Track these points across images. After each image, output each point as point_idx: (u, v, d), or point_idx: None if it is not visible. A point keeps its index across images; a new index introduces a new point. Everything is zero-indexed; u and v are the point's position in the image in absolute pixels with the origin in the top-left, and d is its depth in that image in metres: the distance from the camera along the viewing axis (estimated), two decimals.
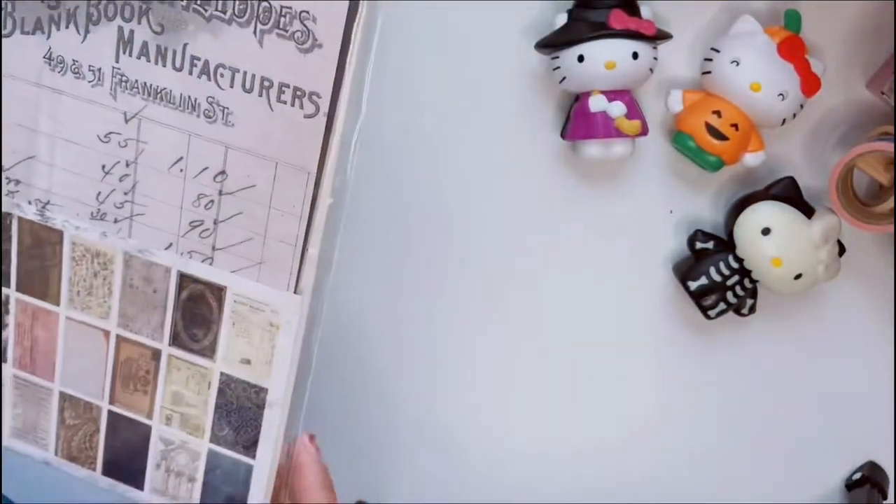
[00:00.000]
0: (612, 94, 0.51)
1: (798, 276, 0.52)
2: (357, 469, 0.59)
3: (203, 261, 0.43)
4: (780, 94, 0.51)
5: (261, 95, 0.39)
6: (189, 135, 0.40)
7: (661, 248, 0.56)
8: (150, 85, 0.40)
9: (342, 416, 0.60)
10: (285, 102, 0.39)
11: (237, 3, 0.38)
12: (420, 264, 0.57)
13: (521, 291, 0.57)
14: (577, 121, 0.52)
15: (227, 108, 0.39)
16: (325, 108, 0.38)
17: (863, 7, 0.53)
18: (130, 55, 0.40)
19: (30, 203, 0.43)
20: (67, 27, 0.40)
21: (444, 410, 0.59)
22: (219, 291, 0.43)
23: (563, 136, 0.54)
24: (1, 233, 0.45)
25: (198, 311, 0.44)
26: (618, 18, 0.50)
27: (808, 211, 0.53)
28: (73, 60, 0.40)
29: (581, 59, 0.51)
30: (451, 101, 0.55)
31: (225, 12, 0.38)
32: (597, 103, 0.51)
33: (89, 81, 0.41)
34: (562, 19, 0.52)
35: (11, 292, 0.45)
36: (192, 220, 0.42)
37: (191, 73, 0.39)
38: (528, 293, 0.57)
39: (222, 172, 0.41)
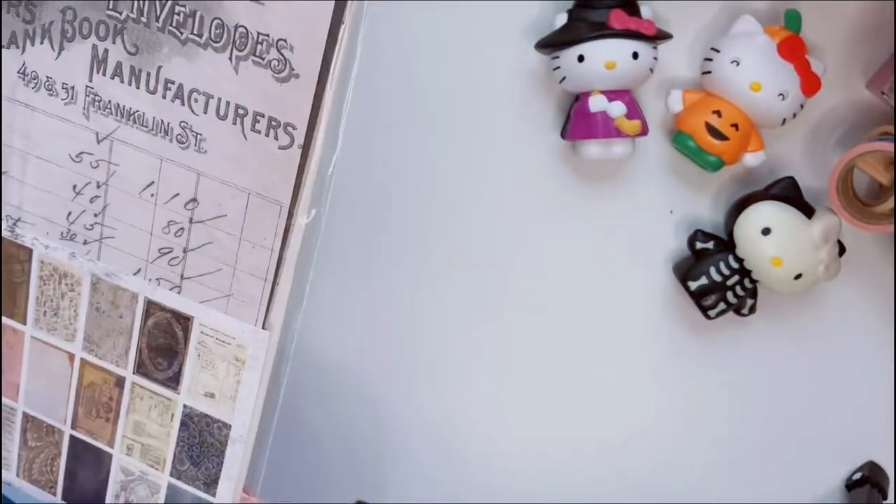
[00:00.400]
0: (612, 94, 0.51)
1: (798, 276, 0.52)
2: (357, 469, 0.59)
3: (171, 289, 0.42)
4: (781, 94, 0.51)
5: (235, 123, 0.38)
6: (161, 159, 0.40)
7: (661, 248, 0.56)
8: (123, 106, 0.39)
9: (342, 416, 0.60)
10: (259, 132, 0.38)
11: (213, 27, 0.37)
12: (419, 264, 0.57)
13: (520, 291, 0.57)
14: (577, 121, 0.52)
15: (201, 135, 0.39)
16: (300, 139, 0.37)
17: (863, 7, 0.53)
18: (104, 74, 0.39)
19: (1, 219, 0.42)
20: (42, 42, 0.39)
21: (444, 410, 0.59)
22: (185, 321, 0.43)
23: (563, 136, 0.54)
24: None
25: (163, 340, 0.43)
26: (618, 18, 0.50)
27: (808, 211, 0.53)
28: (47, 77, 0.40)
29: (581, 59, 0.51)
30: (452, 101, 0.55)
31: (201, 36, 0.37)
32: (597, 103, 0.51)
33: (62, 99, 0.40)
34: (562, 19, 0.52)
35: None
36: (161, 247, 0.41)
37: (164, 96, 0.39)
38: (527, 293, 0.57)
39: (193, 200, 0.40)
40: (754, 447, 0.59)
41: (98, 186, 0.41)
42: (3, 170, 0.41)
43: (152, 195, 0.40)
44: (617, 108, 0.51)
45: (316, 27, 0.35)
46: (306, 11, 0.35)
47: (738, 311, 0.55)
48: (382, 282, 0.57)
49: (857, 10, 0.53)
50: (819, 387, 0.58)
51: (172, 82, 0.38)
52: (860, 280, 0.56)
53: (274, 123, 0.37)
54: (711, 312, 0.54)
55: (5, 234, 0.42)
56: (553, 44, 0.52)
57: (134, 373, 0.45)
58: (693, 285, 0.54)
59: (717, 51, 0.51)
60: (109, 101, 0.39)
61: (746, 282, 0.54)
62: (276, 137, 0.37)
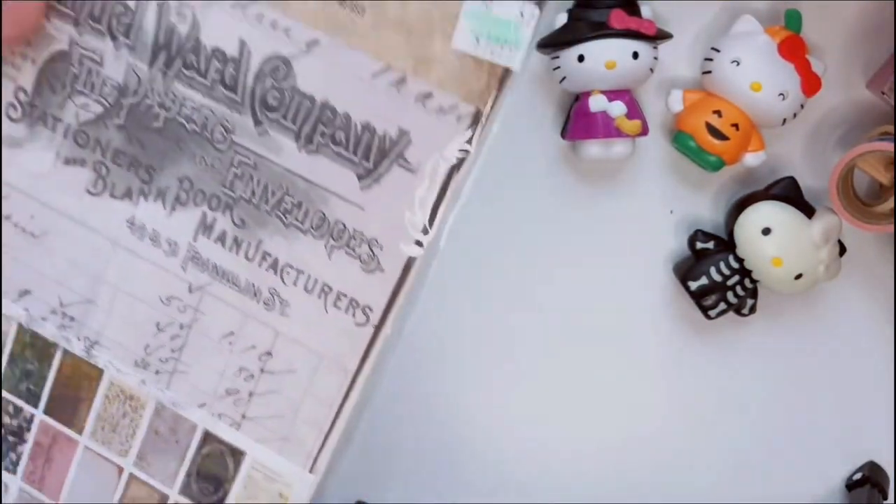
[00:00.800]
0: (612, 94, 0.51)
1: (798, 276, 0.52)
2: (357, 469, 0.59)
3: (230, 425, 0.44)
4: (781, 94, 0.51)
5: (319, 298, 0.42)
6: (245, 315, 0.43)
7: (661, 248, 0.56)
8: (220, 266, 0.42)
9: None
10: (340, 308, 0.42)
11: (316, 218, 0.40)
12: None
13: (520, 291, 0.57)
14: (577, 121, 0.52)
15: (286, 301, 0.42)
16: (375, 320, 0.41)
17: (863, 7, 0.53)
18: (208, 238, 0.42)
19: (79, 339, 0.44)
20: (155, 201, 0.42)
21: (443, 410, 0.59)
22: (239, 455, 0.45)
23: (563, 136, 0.54)
24: (1, 345, 0.45)
25: (214, 469, 0.45)
26: (618, 18, 0.50)
27: (808, 211, 0.53)
28: (154, 230, 0.43)
29: (581, 58, 0.51)
30: None
31: (303, 223, 0.41)
32: (597, 103, 0.51)
33: (164, 251, 0.43)
34: (562, 19, 0.52)
35: (38, 413, 0.46)
36: (229, 388, 0.44)
37: (260, 265, 0.42)
38: (527, 293, 0.57)
39: (268, 353, 0.43)
40: (754, 447, 0.59)
41: (181, 328, 0.43)
42: (93, 298, 0.43)
43: (230, 343, 0.43)
44: (617, 108, 0.51)
45: (405, 234, 0.40)
46: (399, 220, 0.39)
47: (738, 311, 0.55)
48: None
49: (857, 10, 0.53)
50: (819, 387, 0.58)
51: (270, 255, 0.42)
52: (860, 280, 0.56)
53: (354, 304, 0.41)
54: (712, 312, 0.54)
55: (80, 353, 0.44)
56: (553, 44, 0.52)
57: (179, 493, 0.46)
58: (693, 285, 0.54)
59: (718, 51, 0.51)
60: (208, 260, 0.42)
61: (747, 282, 0.54)
62: (353, 315, 0.41)
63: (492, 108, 0.38)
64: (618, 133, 0.51)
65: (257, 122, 0.40)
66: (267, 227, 0.41)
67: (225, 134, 0.40)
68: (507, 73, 0.37)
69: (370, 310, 0.41)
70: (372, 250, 0.41)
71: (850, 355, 0.57)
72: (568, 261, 0.57)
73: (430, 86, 0.38)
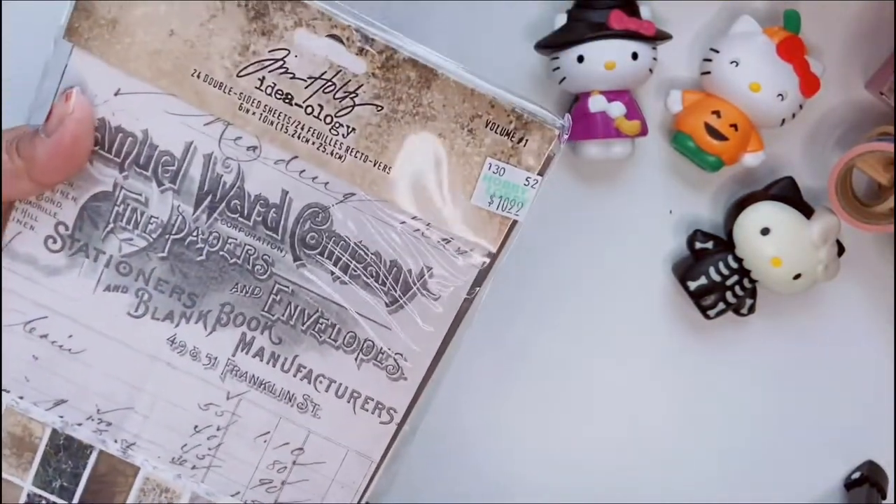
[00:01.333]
0: (611, 95, 0.51)
1: (797, 276, 0.52)
2: None
3: None
4: (780, 95, 0.51)
5: (348, 402, 0.46)
6: (280, 417, 0.46)
7: (660, 248, 0.56)
8: (257, 377, 0.45)
9: None
10: (367, 410, 0.46)
11: (347, 337, 0.45)
12: None
13: (519, 292, 0.57)
14: (576, 121, 0.53)
15: (318, 405, 0.46)
16: (398, 419, 0.46)
17: (863, 7, 0.53)
18: (247, 354, 0.45)
19: (115, 441, 0.46)
20: (196, 323, 0.45)
21: (443, 410, 0.59)
22: None
23: None
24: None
25: None
26: (617, 19, 0.50)
27: (807, 211, 0.53)
28: (194, 347, 0.45)
29: (581, 59, 0.51)
30: None
31: (336, 341, 0.45)
32: (596, 104, 0.51)
33: (203, 365, 0.45)
34: (561, 20, 0.52)
35: None
36: (262, 478, 0.47)
37: (295, 375, 0.45)
38: (526, 293, 0.57)
39: (300, 449, 0.46)
40: (753, 447, 0.59)
41: (218, 429, 0.46)
42: (131, 406, 0.46)
43: (265, 441, 0.46)
44: (616, 109, 0.51)
45: (427, 348, 0.45)
46: (421, 336, 0.45)
47: (737, 311, 0.55)
48: None
49: (857, 10, 0.53)
50: (818, 386, 0.58)
51: (304, 367, 0.45)
52: (860, 280, 0.56)
53: (380, 406, 0.46)
54: (711, 312, 0.54)
55: (117, 453, 0.46)
56: (553, 44, 0.52)
57: None
58: (692, 285, 0.54)
59: (717, 51, 0.51)
60: (246, 372, 0.45)
61: (746, 282, 0.54)
62: (378, 416, 0.46)
63: (501, 250, 0.45)
64: (617, 133, 0.51)
65: (296, 259, 0.44)
66: (302, 344, 0.45)
67: (265, 267, 0.44)
68: (514, 223, 0.44)
69: (394, 411, 0.46)
70: (397, 363, 0.45)
71: (849, 355, 0.57)
72: (567, 261, 0.57)
73: (450, 234, 0.44)
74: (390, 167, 0.43)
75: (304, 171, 0.43)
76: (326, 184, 0.43)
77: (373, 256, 0.44)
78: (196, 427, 0.46)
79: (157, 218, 0.43)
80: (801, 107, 0.52)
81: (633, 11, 0.51)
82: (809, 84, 0.51)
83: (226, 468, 0.47)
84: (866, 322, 0.57)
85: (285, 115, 0.42)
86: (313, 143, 0.43)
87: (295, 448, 0.46)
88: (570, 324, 0.57)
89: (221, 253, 0.44)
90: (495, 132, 0.43)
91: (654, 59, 0.52)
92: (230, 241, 0.44)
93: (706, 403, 0.58)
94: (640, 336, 0.57)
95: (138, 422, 0.46)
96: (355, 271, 0.44)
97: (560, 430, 0.59)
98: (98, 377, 0.45)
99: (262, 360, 0.45)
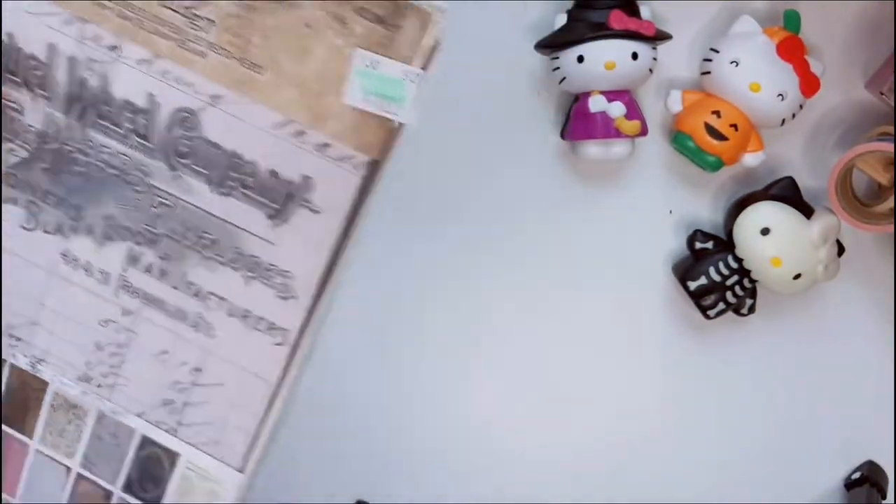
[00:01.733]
0: (611, 95, 0.51)
1: (797, 276, 0.52)
2: (357, 469, 0.59)
3: (167, 430, 0.49)
4: (780, 95, 0.51)
5: (241, 321, 0.46)
6: (176, 336, 0.47)
7: (660, 248, 0.56)
8: (149, 293, 0.46)
9: (341, 416, 0.60)
10: (260, 330, 0.46)
11: (232, 252, 0.45)
12: (418, 264, 0.57)
13: (519, 291, 0.57)
14: (576, 121, 0.53)
15: (211, 325, 0.47)
16: (290, 341, 0.46)
17: (863, 7, 0.53)
18: (136, 269, 0.46)
19: (25, 356, 0.48)
20: (86, 237, 0.46)
21: (443, 410, 0.59)
22: (174, 456, 0.49)
23: (562, 136, 0.54)
24: None
25: (152, 469, 0.50)
26: (617, 19, 0.50)
27: (807, 211, 0.53)
28: (87, 261, 0.46)
29: (581, 59, 0.51)
30: (452, 100, 0.55)
31: (222, 256, 0.45)
32: (597, 103, 0.51)
33: (97, 279, 0.46)
34: (561, 20, 0.52)
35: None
36: (165, 399, 0.48)
37: (185, 292, 0.46)
38: (527, 293, 0.57)
39: (198, 369, 0.47)
40: (753, 447, 0.59)
41: (118, 346, 0.48)
42: (36, 321, 0.48)
43: (164, 360, 0.48)
44: (616, 109, 0.51)
45: (315, 264, 0.45)
46: (307, 252, 0.44)
47: (737, 311, 0.55)
48: (381, 278, 0.58)
49: (857, 10, 0.53)
50: (819, 386, 0.58)
51: (193, 284, 0.46)
52: (860, 280, 0.56)
53: (272, 326, 0.46)
54: (711, 312, 0.54)
55: (27, 367, 0.49)
56: (553, 44, 0.52)
57: (122, 490, 0.51)
58: (692, 285, 0.54)
59: (717, 51, 0.51)
60: (138, 289, 0.46)
61: (746, 282, 0.54)
62: (272, 336, 0.46)
63: (385, 158, 0.43)
64: (617, 133, 0.51)
65: (171, 168, 0.44)
66: (188, 260, 0.46)
67: (142, 177, 0.45)
68: (400, 127, 0.42)
69: (286, 331, 0.46)
70: (285, 280, 0.45)
71: (849, 355, 0.57)
72: (567, 260, 0.57)
73: (328, 137, 0.42)
74: (259, 66, 0.42)
75: (167, 71, 0.42)
76: (192, 85, 0.42)
77: (249, 165, 0.43)
78: (98, 344, 0.47)
79: (32, 126, 0.44)
80: (801, 107, 0.52)
81: (633, 11, 0.51)
82: (809, 84, 0.51)
83: (130, 387, 0.48)
84: (866, 322, 0.57)
85: (141, 10, 0.41)
86: (173, 40, 0.42)
87: (193, 367, 0.47)
88: (570, 324, 0.57)
89: (97, 163, 0.44)
90: (367, 19, 0.41)
91: (654, 59, 0.52)
92: (104, 149, 0.44)
93: (706, 403, 0.58)
94: (640, 336, 0.57)
95: (45, 337, 0.47)
96: (232, 182, 0.44)
97: (559, 430, 0.59)
98: (4, 292, 0.47)
99: (151, 276, 0.46)
